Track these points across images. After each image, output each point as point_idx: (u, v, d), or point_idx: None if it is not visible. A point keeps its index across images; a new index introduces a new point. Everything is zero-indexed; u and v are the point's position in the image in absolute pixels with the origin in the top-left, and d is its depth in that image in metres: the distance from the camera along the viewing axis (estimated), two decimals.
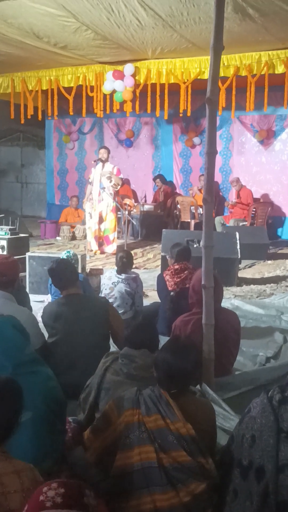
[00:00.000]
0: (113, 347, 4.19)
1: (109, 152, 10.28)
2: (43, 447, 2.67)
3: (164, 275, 5.50)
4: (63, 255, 6.01)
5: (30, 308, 4.98)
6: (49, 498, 1.68)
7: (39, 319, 5.95)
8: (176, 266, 5.44)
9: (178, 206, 11.90)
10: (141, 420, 2.49)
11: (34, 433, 2.62)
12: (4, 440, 2.14)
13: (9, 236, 7.77)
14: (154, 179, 13.06)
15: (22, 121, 11.13)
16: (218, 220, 11.03)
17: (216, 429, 2.74)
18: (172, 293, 5.34)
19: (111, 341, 4.17)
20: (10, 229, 7.92)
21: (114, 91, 10.06)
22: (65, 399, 2.95)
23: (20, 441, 2.36)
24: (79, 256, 6.64)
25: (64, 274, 4.17)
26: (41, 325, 4.27)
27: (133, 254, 6.39)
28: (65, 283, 4.16)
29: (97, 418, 2.73)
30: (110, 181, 9.91)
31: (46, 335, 4.14)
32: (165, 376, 2.63)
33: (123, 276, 5.65)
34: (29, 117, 11.05)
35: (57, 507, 1.66)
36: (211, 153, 3.61)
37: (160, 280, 5.55)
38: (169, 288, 5.35)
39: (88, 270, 7.45)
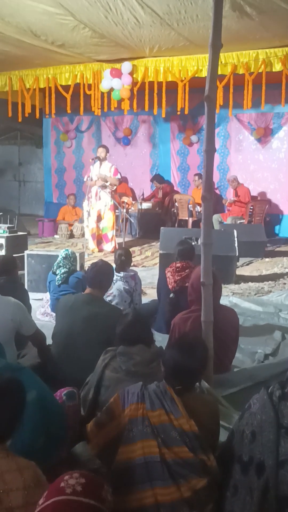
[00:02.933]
0: None
1: (107, 150, 10.28)
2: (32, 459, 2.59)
3: (166, 272, 5.51)
4: (61, 253, 6.02)
5: (30, 306, 5.00)
6: (69, 485, 1.72)
7: (38, 316, 6.01)
8: (178, 264, 5.44)
9: (176, 204, 11.90)
10: (145, 415, 2.50)
11: (19, 449, 2.49)
12: (6, 438, 2.15)
13: (7, 234, 7.78)
14: (152, 180, 13.04)
15: (20, 120, 11.10)
16: (215, 218, 11.03)
17: (219, 427, 2.75)
18: (171, 294, 5.34)
19: None
20: (8, 227, 7.93)
21: (111, 89, 10.05)
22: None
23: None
24: (77, 254, 6.65)
25: (100, 274, 4.22)
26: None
27: (131, 252, 6.40)
28: (95, 283, 4.21)
29: (101, 411, 2.74)
30: (106, 182, 9.92)
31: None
32: (172, 373, 2.64)
33: (121, 274, 5.66)
34: (26, 115, 11.02)
35: (76, 495, 1.69)
36: (209, 151, 3.62)
37: (162, 276, 5.56)
38: (169, 286, 5.35)
39: (86, 268, 7.46)
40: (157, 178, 12.94)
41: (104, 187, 9.94)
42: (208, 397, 2.82)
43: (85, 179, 10.36)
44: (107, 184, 9.93)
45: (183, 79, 9.54)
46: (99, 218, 10.06)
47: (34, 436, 2.68)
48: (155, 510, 2.29)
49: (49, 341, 4.24)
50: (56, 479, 1.79)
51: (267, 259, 9.54)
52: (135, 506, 2.32)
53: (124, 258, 5.77)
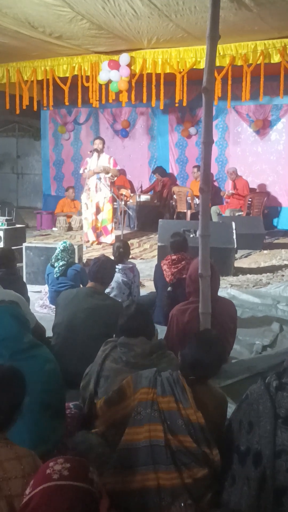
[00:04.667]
0: None
1: (104, 142, 10.24)
2: (41, 430, 2.69)
3: (162, 264, 5.51)
4: (59, 245, 6.03)
5: (28, 299, 5.01)
6: (55, 471, 1.74)
7: (37, 309, 6.02)
8: (174, 257, 5.45)
9: (174, 196, 11.90)
10: (155, 399, 2.56)
11: (31, 417, 2.62)
12: (6, 427, 2.17)
13: (5, 227, 7.78)
14: (154, 172, 13.01)
15: (18, 112, 11.06)
16: (214, 210, 11.03)
17: (225, 423, 2.77)
18: (169, 288, 5.35)
19: None
20: (6, 220, 7.93)
21: (109, 81, 10.01)
22: (62, 380, 2.97)
23: (17, 424, 2.38)
24: (76, 247, 6.65)
25: (102, 269, 4.31)
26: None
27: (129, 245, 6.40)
28: (97, 277, 4.29)
29: (112, 391, 2.80)
30: (107, 173, 9.89)
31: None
32: (189, 365, 2.68)
33: (120, 266, 5.67)
34: (24, 107, 10.98)
35: (64, 480, 1.71)
36: (207, 143, 3.62)
37: (158, 269, 5.57)
38: (166, 279, 5.36)
39: (85, 261, 7.47)
40: (160, 171, 12.90)
41: (106, 176, 9.87)
42: (219, 391, 2.85)
43: (81, 171, 10.34)
44: (108, 175, 9.90)
45: (181, 70, 9.50)
46: (98, 210, 10.03)
47: (44, 408, 2.76)
48: (156, 493, 2.33)
49: (48, 333, 4.26)
50: (41, 467, 1.82)
51: (265, 251, 9.56)
52: (137, 487, 2.37)
53: (122, 250, 5.78)
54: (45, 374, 2.84)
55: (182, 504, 2.27)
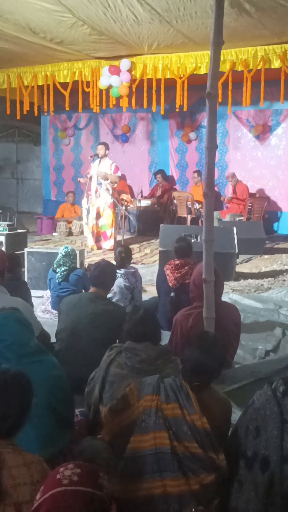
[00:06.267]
0: None
1: (107, 148, 10.23)
2: (47, 435, 2.68)
3: (165, 269, 5.51)
4: (61, 250, 6.03)
5: (32, 304, 5.01)
6: (65, 476, 1.73)
7: (39, 314, 6.02)
8: (177, 262, 5.43)
9: (175, 201, 11.90)
10: (159, 406, 2.54)
11: (38, 420, 2.62)
12: (13, 433, 2.16)
13: (7, 232, 7.79)
14: (155, 174, 13.02)
15: (18, 117, 11.09)
16: (214, 215, 10.99)
17: (229, 427, 2.76)
18: (172, 293, 5.34)
19: None
20: (8, 225, 7.93)
21: (110, 87, 10.04)
22: (70, 388, 2.97)
23: (24, 428, 2.37)
24: (77, 252, 6.66)
25: (103, 274, 4.31)
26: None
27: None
28: (98, 282, 4.29)
29: (116, 399, 2.77)
30: (107, 179, 9.90)
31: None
32: (191, 370, 2.66)
33: (122, 271, 5.66)
34: (24, 113, 11.02)
35: (73, 485, 1.71)
36: (211, 148, 3.63)
37: (161, 274, 5.56)
38: (169, 284, 5.35)
39: (86, 266, 7.47)
40: (162, 173, 12.91)
41: (106, 182, 9.88)
42: (222, 395, 2.84)
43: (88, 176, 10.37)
44: (107, 182, 9.91)
45: (182, 76, 9.53)
46: (98, 216, 10.05)
47: (51, 413, 2.76)
48: (163, 501, 2.32)
49: (51, 338, 4.25)
50: (51, 472, 1.81)
51: (266, 256, 9.56)
52: (143, 495, 2.35)
53: (124, 255, 5.79)
54: (51, 378, 2.84)
55: (193, 510, 2.26)
